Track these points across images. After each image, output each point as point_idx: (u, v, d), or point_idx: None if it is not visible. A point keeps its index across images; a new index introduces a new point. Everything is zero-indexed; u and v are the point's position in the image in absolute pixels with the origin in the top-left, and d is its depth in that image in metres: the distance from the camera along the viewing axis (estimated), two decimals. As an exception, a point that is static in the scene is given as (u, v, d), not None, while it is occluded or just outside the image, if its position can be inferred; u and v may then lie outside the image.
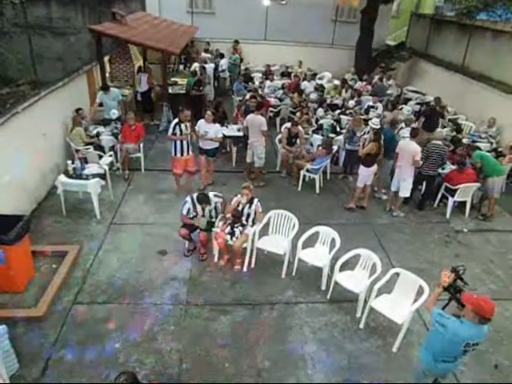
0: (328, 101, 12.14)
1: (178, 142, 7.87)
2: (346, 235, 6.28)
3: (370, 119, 9.08)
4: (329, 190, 8.96)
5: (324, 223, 6.56)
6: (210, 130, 8.10)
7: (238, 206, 6.27)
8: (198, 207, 6.28)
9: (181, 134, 7.79)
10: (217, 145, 8.38)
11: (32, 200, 7.40)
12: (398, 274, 5.35)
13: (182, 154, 7.93)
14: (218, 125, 8.39)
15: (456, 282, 3.86)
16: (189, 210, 6.32)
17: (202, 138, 8.19)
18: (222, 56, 15.33)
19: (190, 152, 8.08)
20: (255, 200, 6.26)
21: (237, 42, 16.35)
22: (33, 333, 4.95)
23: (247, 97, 11.01)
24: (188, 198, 6.32)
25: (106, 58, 11.38)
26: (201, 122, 8.25)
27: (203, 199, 6.20)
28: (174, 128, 7.75)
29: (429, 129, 10.26)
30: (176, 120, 7.81)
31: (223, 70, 15.15)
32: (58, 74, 8.50)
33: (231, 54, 15.89)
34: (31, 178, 7.37)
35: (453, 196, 8.12)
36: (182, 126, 7.77)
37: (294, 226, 6.30)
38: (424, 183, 8.49)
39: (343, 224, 7.57)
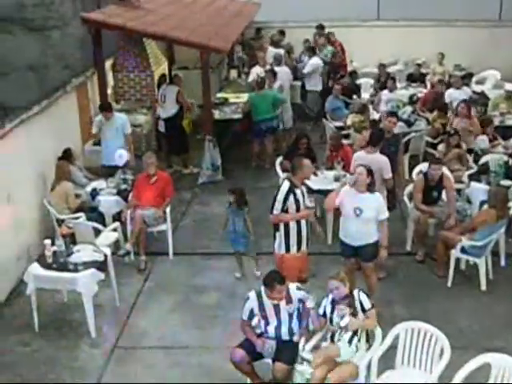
0: (496, 121, 9.37)
1: (294, 226, 5.50)
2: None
3: None
4: (506, 285, 6.73)
5: (500, 347, 4.88)
6: (365, 208, 5.54)
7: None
8: (268, 305, 4.71)
9: (298, 209, 5.45)
10: (378, 236, 5.77)
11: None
12: None
13: (299, 248, 5.57)
14: (377, 194, 5.79)
15: None
16: (252, 311, 4.85)
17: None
18: (313, 51, 11.72)
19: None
20: (355, 292, 4.68)
21: (321, 27, 12.80)
22: None
23: (348, 121, 9.00)
24: (251, 293, 4.90)
25: (109, 64, 9.58)
26: (346, 190, 5.82)
27: (274, 278, 4.63)
28: (285, 199, 5.43)
29: None
30: (287, 184, 5.48)
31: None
32: (31, 95, 7.03)
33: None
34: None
35: None
36: (298, 192, 5.43)
37: (441, 351, 4.65)
38: None
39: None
